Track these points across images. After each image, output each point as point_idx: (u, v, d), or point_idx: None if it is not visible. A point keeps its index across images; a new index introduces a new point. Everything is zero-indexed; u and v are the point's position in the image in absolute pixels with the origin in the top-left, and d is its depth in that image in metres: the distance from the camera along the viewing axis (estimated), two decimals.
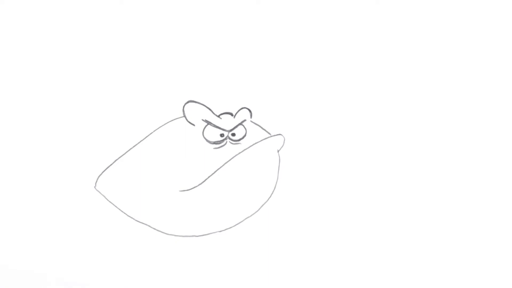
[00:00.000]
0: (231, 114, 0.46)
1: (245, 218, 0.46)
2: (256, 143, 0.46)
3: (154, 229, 0.45)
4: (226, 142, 0.46)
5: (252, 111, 0.47)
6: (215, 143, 0.46)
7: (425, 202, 0.47)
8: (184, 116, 0.46)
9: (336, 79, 0.47)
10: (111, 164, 0.45)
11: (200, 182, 0.45)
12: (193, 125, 0.46)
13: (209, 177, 0.46)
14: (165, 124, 0.46)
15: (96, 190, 0.44)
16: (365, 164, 0.47)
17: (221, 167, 0.46)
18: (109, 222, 0.44)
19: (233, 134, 0.46)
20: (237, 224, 0.46)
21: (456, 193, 0.48)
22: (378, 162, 0.47)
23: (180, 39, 0.46)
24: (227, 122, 0.46)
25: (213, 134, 0.46)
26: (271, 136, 0.47)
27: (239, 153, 0.46)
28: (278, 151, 0.47)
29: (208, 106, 0.46)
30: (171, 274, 0.44)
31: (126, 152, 0.45)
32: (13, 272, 0.43)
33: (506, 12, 0.49)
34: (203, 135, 0.46)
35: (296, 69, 0.47)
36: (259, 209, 0.46)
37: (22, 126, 0.44)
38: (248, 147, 0.46)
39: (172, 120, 0.46)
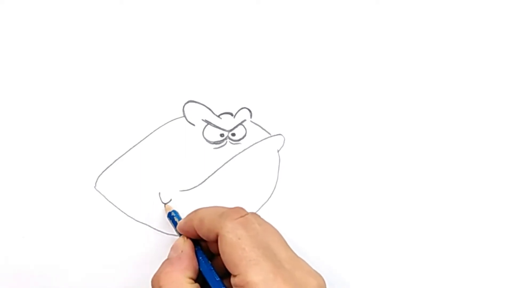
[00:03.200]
0: (231, 114, 0.46)
1: None
2: (256, 143, 0.46)
3: (154, 229, 0.45)
4: (226, 142, 0.46)
5: (252, 111, 0.47)
6: (215, 143, 0.46)
7: (427, 203, 0.47)
8: (184, 116, 0.46)
9: (336, 79, 0.48)
10: (111, 164, 0.45)
11: (200, 182, 0.45)
12: (193, 125, 0.46)
13: (209, 177, 0.46)
14: (165, 124, 0.46)
15: (96, 190, 0.44)
16: (365, 164, 0.47)
17: (221, 167, 0.46)
18: (109, 222, 0.44)
19: (233, 134, 0.46)
20: None
21: (459, 196, 0.48)
22: (379, 162, 0.47)
23: (180, 39, 0.46)
24: (227, 122, 0.46)
25: (213, 134, 0.46)
26: (271, 136, 0.47)
27: (239, 153, 0.46)
28: (278, 151, 0.47)
29: (208, 106, 0.46)
30: None
31: (126, 152, 0.45)
32: (12, 272, 0.43)
33: (506, 12, 0.49)
34: (203, 135, 0.46)
35: (296, 69, 0.47)
36: (259, 209, 0.46)
37: (22, 126, 0.44)
38: (248, 147, 0.46)
39: (172, 120, 0.46)
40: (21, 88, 0.44)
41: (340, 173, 0.47)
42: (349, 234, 0.46)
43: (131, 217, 0.44)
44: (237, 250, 0.34)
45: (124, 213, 0.44)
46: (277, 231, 0.38)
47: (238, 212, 0.37)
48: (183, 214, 0.43)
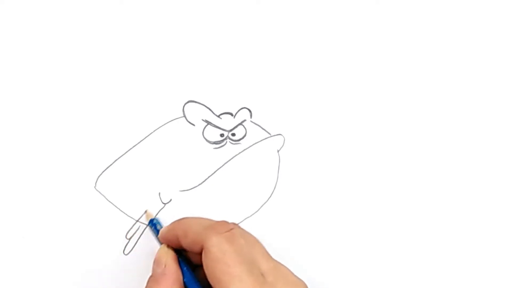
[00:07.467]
0: (231, 114, 0.46)
1: (245, 218, 0.46)
2: (256, 143, 0.46)
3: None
4: (226, 142, 0.46)
5: (252, 111, 0.47)
6: (215, 143, 0.46)
7: (427, 203, 0.47)
8: (184, 116, 0.46)
9: (336, 79, 0.48)
10: (111, 164, 0.45)
11: (200, 182, 0.45)
12: (193, 125, 0.46)
13: (209, 177, 0.46)
14: (165, 124, 0.46)
15: (96, 190, 0.44)
16: (366, 164, 0.47)
17: (221, 167, 0.46)
18: (109, 222, 0.44)
19: (233, 134, 0.46)
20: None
21: (459, 200, 0.48)
22: (379, 163, 0.47)
23: (180, 39, 0.46)
24: (227, 122, 0.46)
25: (213, 134, 0.46)
26: (271, 136, 0.47)
27: (239, 153, 0.46)
28: (278, 151, 0.47)
29: (208, 106, 0.46)
30: None
31: (126, 152, 0.45)
32: (12, 272, 0.43)
33: (506, 12, 0.49)
34: (203, 135, 0.46)
35: (296, 69, 0.47)
36: (259, 209, 0.46)
37: (22, 126, 0.44)
38: (248, 147, 0.46)
39: (172, 120, 0.46)
40: (21, 88, 0.44)
41: (340, 173, 0.47)
42: (349, 235, 0.46)
43: (131, 217, 0.44)
44: (221, 265, 0.34)
45: (124, 213, 0.44)
46: (259, 242, 0.38)
47: (224, 226, 0.36)
48: (183, 214, 0.43)
